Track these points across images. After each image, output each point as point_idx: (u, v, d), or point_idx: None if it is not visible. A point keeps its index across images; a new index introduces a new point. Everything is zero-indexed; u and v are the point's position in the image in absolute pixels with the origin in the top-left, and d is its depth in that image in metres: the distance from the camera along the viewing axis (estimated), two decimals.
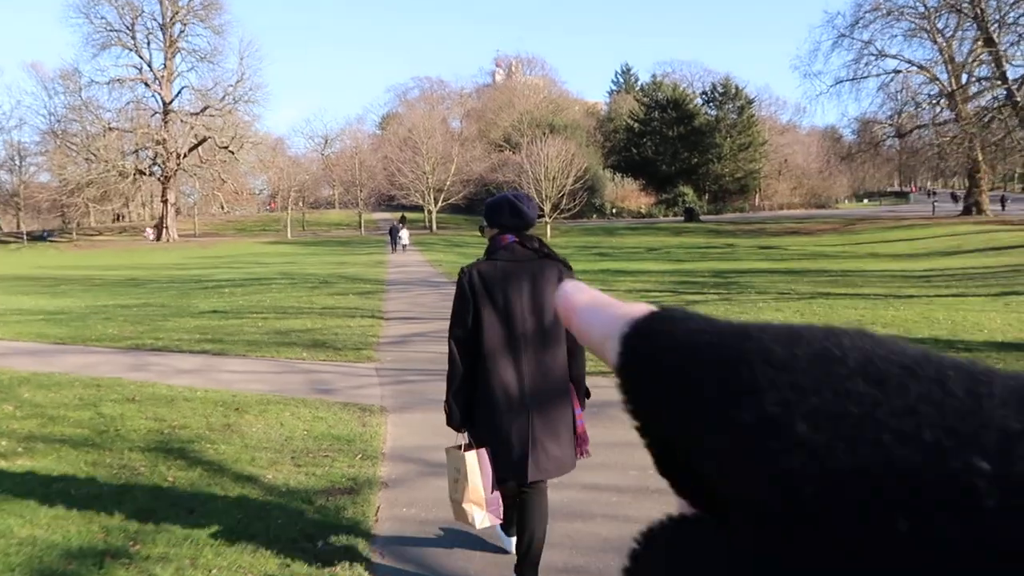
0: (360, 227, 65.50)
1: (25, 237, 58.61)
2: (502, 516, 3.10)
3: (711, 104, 78.39)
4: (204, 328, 11.91)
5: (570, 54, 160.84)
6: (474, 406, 2.96)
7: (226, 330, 11.56)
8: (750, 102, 75.54)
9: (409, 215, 68.84)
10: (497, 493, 3.00)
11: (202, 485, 4.19)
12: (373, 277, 22.88)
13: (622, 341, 0.25)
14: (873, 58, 51.45)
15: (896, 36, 49.60)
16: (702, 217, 66.00)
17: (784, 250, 37.26)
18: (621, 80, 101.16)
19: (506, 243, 2.99)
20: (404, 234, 42.44)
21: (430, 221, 63.31)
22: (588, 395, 3.19)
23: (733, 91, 76.07)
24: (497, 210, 3.05)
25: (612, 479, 4.28)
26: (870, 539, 0.17)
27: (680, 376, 0.23)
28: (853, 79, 52.03)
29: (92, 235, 65.97)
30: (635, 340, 0.25)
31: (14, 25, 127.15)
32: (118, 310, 15.40)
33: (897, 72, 50.94)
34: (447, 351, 3.00)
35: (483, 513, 2.95)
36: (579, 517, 3.79)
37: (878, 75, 50.94)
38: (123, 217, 79.88)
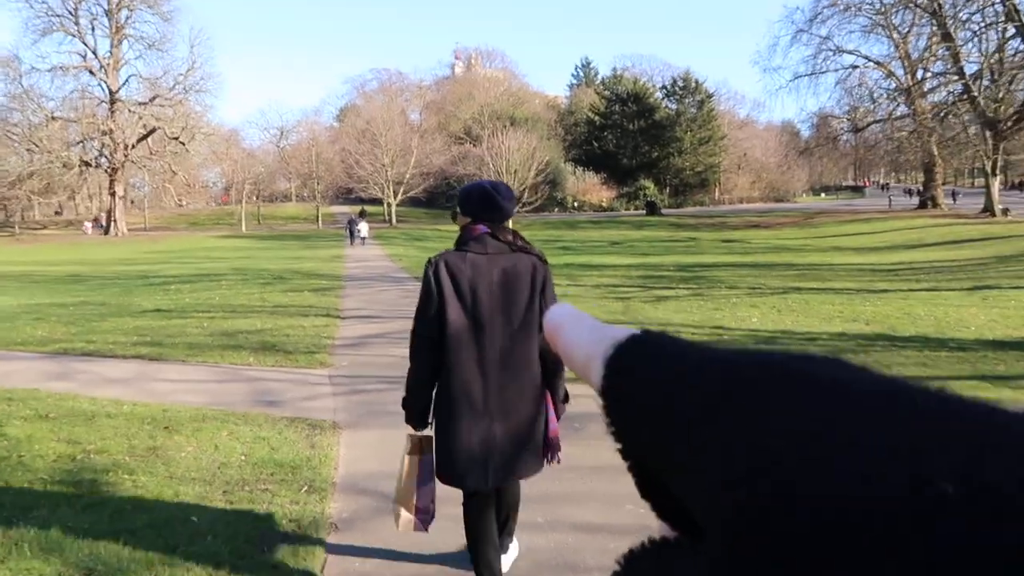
0: (318, 221, 64.08)
1: None
2: (427, 528, 2.91)
3: (671, 98, 78.43)
4: (143, 329, 10.98)
5: (530, 48, 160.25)
6: (436, 406, 2.79)
7: (167, 331, 10.66)
8: (710, 96, 75.77)
9: (368, 208, 67.59)
10: (433, 504, 2.87)
11: (108, 534, 3.42)
12: (330, 272, 21.96)
13: (605, 363, 0.25)
14: (831, 53, 51.61)
15: (854, 32, 49.86)
16: (663, 211, 66.01)
17: (747, 243, 37.17)
18: (581, 74, 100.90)
19: (478, 234, 2.76)
20: (363, 227, 41.70)
21: (390, 215, 62.17)
22: (566, 399, 2.98)
23: (693, 85, 76.19)
24: (471, 198, 2.81)
25: (605, 515, 3.63)
26: (839, 559, 0.17)
27: (660, 398, 0.23)
28: (812, 74, 52.17)
29: (36, 229, 63.44)
30: (618, 363, 0.25)
31: None
32: (52, 309, 14.31)
33: (855, 67, 51.25)
34: (409, 347, 2.81)
35: (408, 517, 2.84)
36: (570, 570, 3.14)
37: (836, 70, 51.24)
38: (70, 210, 77.01)
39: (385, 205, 63.91)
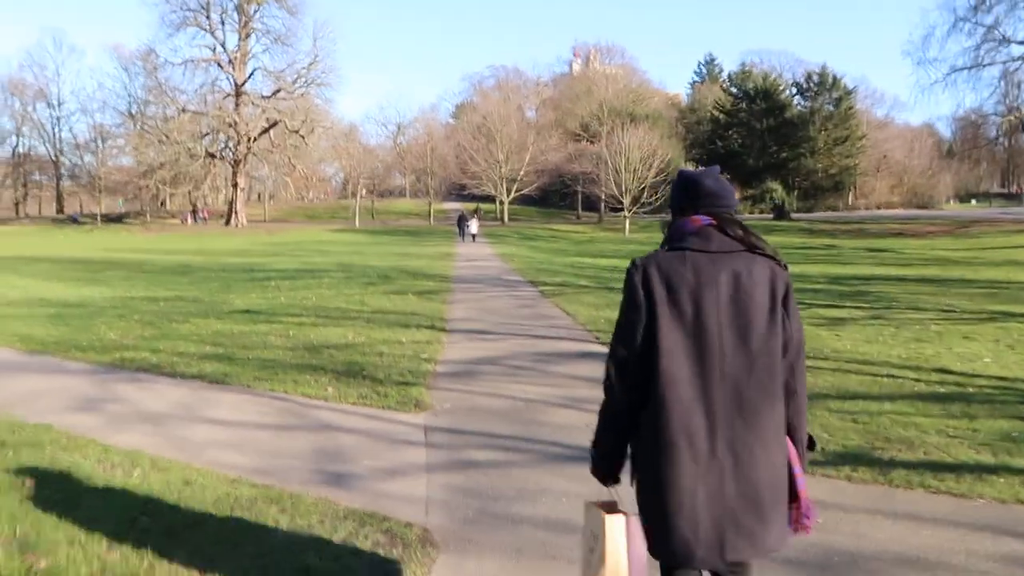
0: (430, 217, 63.48)
1: (99, 218, 58.71)
2: None
3: (804, 95, 73.22)
4: (221, 336, 9.47)
5: (651, 44, 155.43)
6: (640, 454, 2.04)
7: (246, 341, 9.07)
8: (849, 93, 70.15)
9: (481, 206, 66.58)
10: None
11: None
12: (439, 272, 20.32)
13: None
14: (996, 44, 46.09)
15: None
16: (792, 215, 61.46)
17: (898, 253, 33.22)
18: (704, 71, 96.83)
19: (698, 226, 2.04)
20: (473, 224, 41.03)
21: (502, 212, 60.76)
22: (812, 446, 2.19)
23: (830, 81, 70.75)
24: (685, 184, 2.13)
25: None
26: None
27: None
28: (973, 67, 46.62)
29: (165, 218, 65.98)
30: None
31: (95, 6, 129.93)
32: (141, 305, 13.20)
33: None
34: (604, 375, 2.06)
35: None
36: None
37: (1004, 62, 45.64)
38: (199, 202, 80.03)
39: (497, 202, 62.59)
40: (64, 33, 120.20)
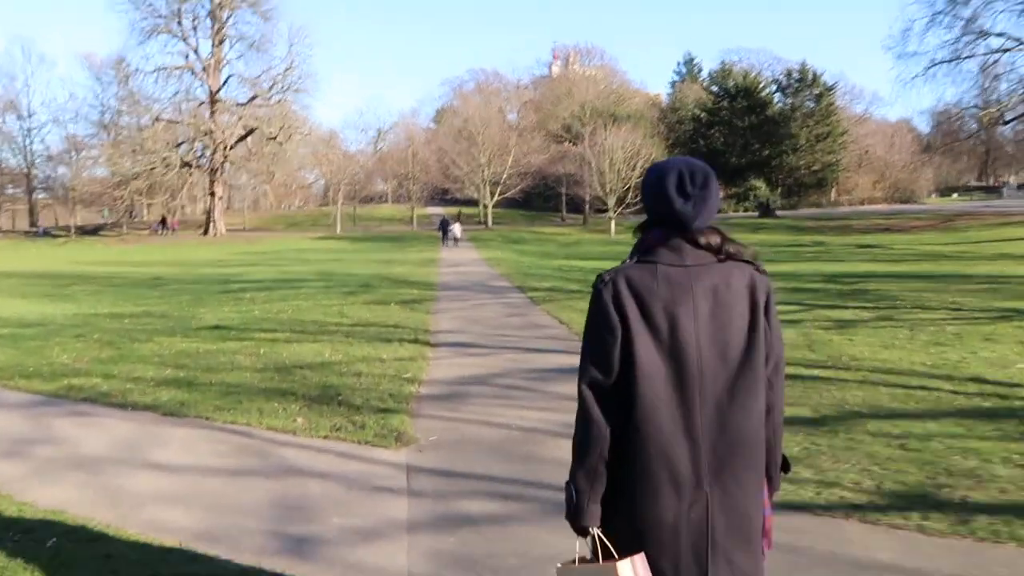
0: (412, 222, 62.62)
1: (73, 230, 57.34)
2: None
3: (785, 92, 72.94)
4: (185, 356, 8.66)
5: (629, 45, 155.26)
6: (617, 492, 1.81)
7: (212, 361, 8.28)
8: (829, 89, 69.93)
9: (463, 210, 65.83)
10: None
11: None
12: (422, 279, 19.54)
13: None
14: (975, 37, 45.98)
15: (1004, 11, 44.01)
16: (777, 213, 61.18)
17: (888, 249, 32.84)
18: (684, 70, 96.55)
19: (670, 238, 1.83)
20: (456, 228, 40.88)
21: (485, 216, 59.99)
22: (787, 468, 1.98)
23: (810, 78, 70.55)
24: (656, 200, 1.86)
25: None
26: None
27: None
28: (952, 60, 46.46)
29: (142, 229, 64.64)
30: None
31: (65, 14, 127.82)
32: (105, 322, 12.34)
33: (1005, 51, 45.47)
34: (577, 404, 1.82)
35: None
36: None
37: (984, 54, 45.49)
38: (176, 211, 78.55)
39: (481, 206, 61.84)
40: (33, 42, 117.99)
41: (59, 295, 18.31)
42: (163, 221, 59.24)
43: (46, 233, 59.11)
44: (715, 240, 1.85)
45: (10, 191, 73.54)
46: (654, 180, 1.87)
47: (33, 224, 68.57)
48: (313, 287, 17.84)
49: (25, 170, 69.31)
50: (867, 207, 69.80)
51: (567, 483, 1.88)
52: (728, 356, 1.79)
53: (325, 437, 5.21)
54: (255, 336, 10.21)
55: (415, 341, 9.41)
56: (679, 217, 1.81)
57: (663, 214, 1.84)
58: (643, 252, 1.86)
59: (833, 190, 76.05)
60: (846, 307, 12.57)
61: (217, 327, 11.24)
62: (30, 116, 69.22)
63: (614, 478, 1.84)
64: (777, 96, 73.85)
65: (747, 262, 1.87)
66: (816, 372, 7.13)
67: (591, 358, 1.84)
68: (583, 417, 1.84)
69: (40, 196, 72.16)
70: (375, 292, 16.17)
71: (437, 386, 6.81)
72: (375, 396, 6.37)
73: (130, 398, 6.61)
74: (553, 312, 11.98)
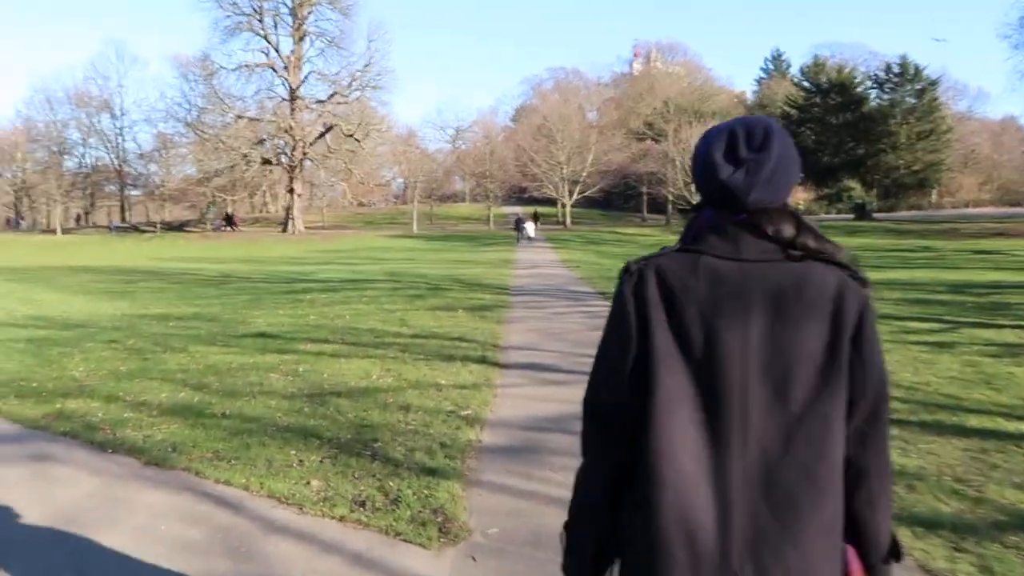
0: (489, 221, 61.44)
1: (158, 227, 58.51)
2: None
3: (883, 88, 68.59)
4: (212, 374, 7.34)
5: (713, 41, 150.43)
6: (624, 544, 1.37)
7: (238, 382, 6.91)
8: (932, 84, 65.22)
9: (541, 209, 64.41)
10: None
11: None
12: (495, 282, 18.02)
13: None
14: None
15: None
16: (874, 215, 57.25)
17: (1011, 256, 29.48)
18: (771, 66, 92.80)
19: (724, 222, 1.36)
20: (529, 227, 40.89)
21: (564, 215, 58.26)
22: (898, 555, 1.40)
23: (911, 72, 66.01)
24: (703, 168, 1.38)
25: None
26: None
27: None
28: None
29: (205, 227, 65.59)
30: None
31: (157, 15, 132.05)
32: (148, 325, 11.28)
33: None
34: (582, 429, 1.43)
35: None
36: None
37: None
38: (258, 209, 79.82)
39: (559, 205, 60.12)
40: (125, 44, 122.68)
41: (121, 292, 17.62)
42: (227, 218, 59.56)
43: (117, 229, 60.62)
44: (788, 229, 1.32)
45: (111, 188, 76.15)
46: (701, 146, 1.39)
47: (122, 220, 70.68)
48: (379, 289, 16.55)
49: (117, 168, 71.55)
50: (973, 210, 64.75)
51: (564, 525, 1.49)
52: (787, 393, 1.27)
53: (342, 519, 3.65)
54: (300, 348, 8.84)
55: (481, 360, 7.84)
56: (727, 191, 1.33)
57: (709, 189, 1.37)
58: (689, 238, 1.39)
59: (935, 191, 71.03)
60: (999, 325, 10.34)
61: (263, 335, 9.97)
62: (123, 115, 71.56)
63: (622, 533, 1.37)
64: (874, 92, 69.69)
65: (836, 264, 1.32)
66: (1018, 425, 5.21)
67: (598, 370, 1.41)
68: (582, 445, 1.44)
69: (133, 193, 74.50)
70: (443, 296, 14.72)
71: (504, 431, 5.19)
72: (422, 445, 4.81)
73: (120, 433, 5.26)
74: None
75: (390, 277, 20.08)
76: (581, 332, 9.85)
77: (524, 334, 9.72)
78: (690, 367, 1.30)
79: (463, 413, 5.63)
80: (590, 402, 1.43)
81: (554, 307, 13.06)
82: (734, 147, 1.34)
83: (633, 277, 1.36)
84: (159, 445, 4.95)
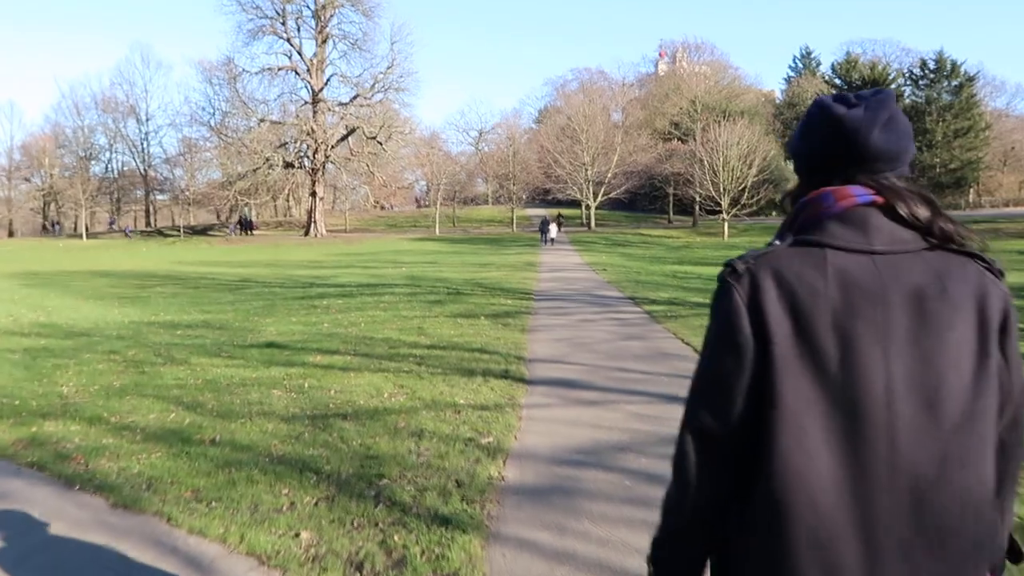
0: (512, 223, 60.77)
1: (181, 231, 58.58)
2: None
3: (918, 84, 67.00)
4: (209, 390, 6.71)
5: (739, 40, 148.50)
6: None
7: (236, 400, 6.26)
8: (970, 79, 63.54)
9: (564, 211, 63.60)
10: None
11: None
12: (519, 286, 17.30)
13: None
14: None
15: None
16: None
17: None
18: (800, 65, 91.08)
19: (849, 206, 1.18)
20: (553, 228, 41.40)
21: (588, 217, 57.40)
22: (1018, 558, 1.28)
23: (947, 68, 64.37)
24: (835, 131, 1.19)
25: None
26: None
27: None
28: None
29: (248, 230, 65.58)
30: None
31: (181, 21, 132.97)
32: (154, 333, 10.72)
33: None
34: (674, 456, 1.23)
35: None
36: None
37: None
38: (281, 212, 79.86)
39: (583, 207, 59.26)
40: (151, 48, 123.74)
41: (133, 297, 17.14)
42: (242, 222, 59.31)
43: (131, 232, 61.00)
44: (923, 211, 1.17)
45: (139, 193, 76.66)
46: (832, 114, 1.19)
47: (147, 224, 71.02)
48: (397, 294, 15.91)
49: (142, 172, 71.95)
50: (1014, 209, 62.73)
51: (648, 557, 1.31)
52: (938, 408, 1.12)
53: None
54: (308, 360, 8.19)
55: (504, 375, 7.11)
56: (844, 131, 1.17)
57: (848, 154, 1.17)
58: (802, 228, 1.18)
59: (972, 190, 69.13)
60: None
61: (271, 345, 9.33)
62: (148, 120, 71.99)
63: (731, 561, 1.21)
64: (908, 89, 68.07)
65: (972, 255, 1.18)
66: None
67: (703, 392, 1.20)
68: (679, 479, 1.22)
69: (159, 197, 74.92)
70: (464, 302, 14.03)
71: (531, 465, 4.45)
72: (435, 484, 4.09)
73: (94, 464, 4.62)
74: (681, 334, 9.45)
75: (409, 281, 19.45)
76: (612, 342, 9.09)
77: (550, 344, 8.98)
78: (823, 385, 1.11)
79: (484, 441, 4.91)
80: (693, 426, 1.21)
81: (581, 313, 12.31)
82: (872, 117, 1.17)
83: (743, 281, 1.15)
84: (134, 481, 4.29)
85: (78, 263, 34.49)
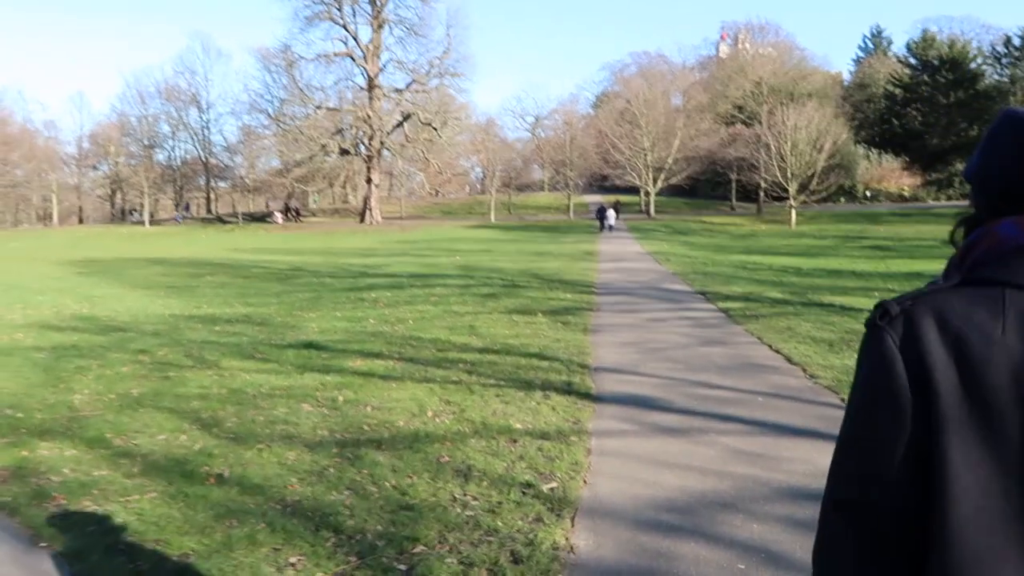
0: (569, 211, 59.54)
1: (240, 218, 59.08)
2: None
3: (1001, 62, 63.22)
4: (234, 402, 5.93)
5: (805, 19, 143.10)
6: None
7: (260, 418, 5.45)
8: None
9: (623, 198, 62.09)
10: None
11: None
12: (578, 278, 16.26)
13: None
14: None
15: None
16: None
17: None
18: (870, 45, 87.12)
19: None
20: (611, 215, 40.84)
21: (647, 204, 55.79)
22: None
23: None
24: (1009, 140, 1.01)
25: None
26: None
27: None
28: None
29: (307, 217, 65.94)
30: None
31: (240, 9, 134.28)
32: (191, 329, 10.08)
33: None
34: (818, 537, 1.00)
35: None
36: None
37: None
38: (339, 198, 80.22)
39: (642, 193, 57.62)
40: (211, 38, 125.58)
41: (182, 287, 16.70)
42: (287, 210, 59.26)
43: (184, 218, 61.74)
44: None
45: (200, 181, 77.95)
46: (1005, 122, 1.03)
47: (208, 211, 72.06)
48: (450, 285, 15.06)
49: (203, 160, 72.97)
50: None
51: None
52: None
53: None
54: (347, 364, 7.36)
55: (567, 389, 6.13)
56: None
57: (1019, 166, 0.99)
58: (975, 265, 1.01)
59: None
60: None
61: (310, 345, 8.55)
62: (208, 109, 72.92)
63: None
64: (990, 67, 64.30)
65: None
66: None
67: (851, 461, 1.01)
68: (822, 557, 1.00)
69: (220, 184, 75.99)
70: (520, 295, 13.08)
71: (608, 528, 3.46)
72: (483, 556, 3.14)
73: (76, 506, 3.82)
74: (766, 338, 8.30)
75: (463, 271, 18.61)
76: (689, 347, 8.01)
77: (618, 349, 7.95)
78: (1004, 454, 0.92)
79: (546, 488, 3.94)
80: (837, 501, 1.00)
81: (649, 310, 11.23)
82: None
83: (897, 326, 0.97)
84: (112, 535, 3.46)
85: (138, 250, 34.78)
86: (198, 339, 9.27)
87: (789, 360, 7.05)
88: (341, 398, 6.01)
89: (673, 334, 8.92)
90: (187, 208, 74.62)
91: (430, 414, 5.47)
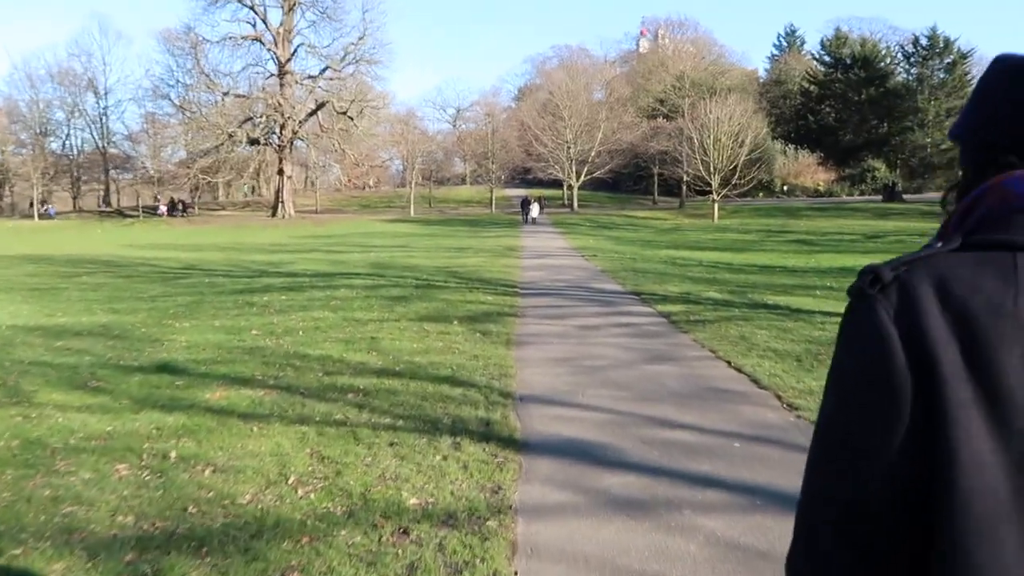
0: (491, 204, 58.15)
1: (141, 212, 55.26)
2: None
3: (910, 61, 65.14)
4: (11, 468, 4.20)
5: (722, 17, 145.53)
6: None
7: (41, 497, 3.77)
8: (964, 57, 61.64)
9: (547, 192, 61.14)
10: None
11: None
12: (500, 277, 14.81)
13: None
14: None
15: None
16: (904, 196, 53.82)
17: None
18: (785, 43, 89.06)
19: None
20: (535, 208, 40.34)
21: (570, 198, 54.91)
22: None
23: (940, 45, 62.44)
24: (1004, 86, 0.90)
25: None
26: None
27: None
28: None
29: (216, 210, 62.41)
30: None
31: None
32: (24, 346, 8.14)
33: None
34: (791, 548, 0.86)
35: None
36: None
37: None
38: (251, 191, 76.50)
39: (565, 187, 56.76)
40: (109, 19, 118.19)
41: (47, 289, 14.44)
42: (173, 204, 55.76)
43: (57, 214, 57.70)
44: None
45: (112, 172, 72.73)
46: (988, 73, 0.95)
47: (105, 203, 67.49)
48: (356, 286, 13.37)
49: (101, 150, 68.22)
50: None
51: None
52: None
53: None
54: (202, 396, 5.69)
55: (485, 434, 4.65)
56: None
57: (1016, 112, 0.89)
58: (978, 225, 0.89)
59: None
60: None
61: (165, 367, 6.80)
62: (107, 94, 68.14)
63: None
64: (900, 67, 66.24)
65: None
66: None
67: (837, 458, 0.87)
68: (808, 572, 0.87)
69: (124, 176, 71.17)
70: (434, 297, 11.53)
71: None
72: None
73: None
74: (722, 351, 7.01)
75: (374, 270, 16.91)
76: (633, 365, 6.64)
77: (548, 369, 6.52)
78: (1008, 446, 0.80)
79: None
80: (823, 503, 0.87)
81: (580, 315, 9.86)
82: None
83: (891, 295, 0.83)
84: None
85: (21, 246, 31.44)
86: (27, 359, 7.39)
87: (757, 383, 5.75)
88: (175, 454, 4.37)
89: (611, 347, 7.54)
90: (107, 202, 69.39)
91: (292, 482, 3.90)
